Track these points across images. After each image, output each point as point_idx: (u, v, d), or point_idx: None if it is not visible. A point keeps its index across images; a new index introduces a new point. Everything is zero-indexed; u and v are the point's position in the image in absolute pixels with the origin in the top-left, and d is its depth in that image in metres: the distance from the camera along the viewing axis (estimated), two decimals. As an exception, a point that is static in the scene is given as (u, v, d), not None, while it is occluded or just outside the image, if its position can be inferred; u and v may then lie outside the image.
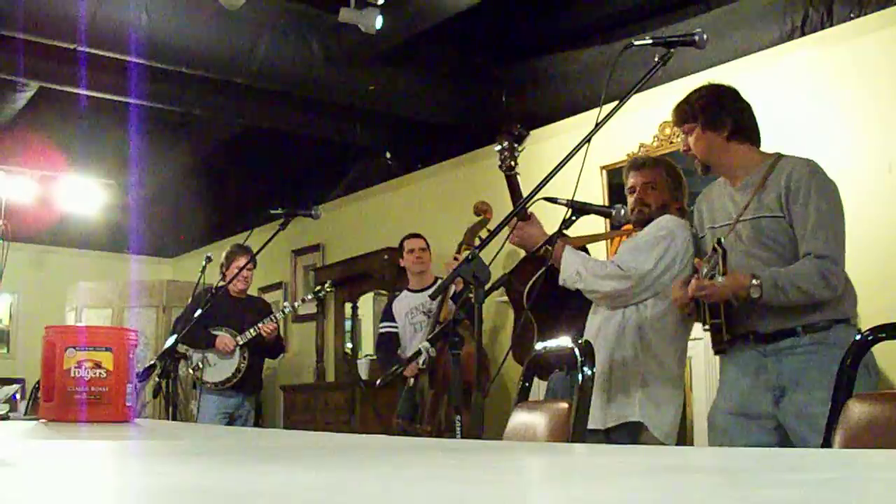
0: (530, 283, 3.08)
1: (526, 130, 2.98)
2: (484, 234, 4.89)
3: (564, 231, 2.67)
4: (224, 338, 5.32)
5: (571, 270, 2.86)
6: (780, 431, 2.53)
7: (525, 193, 2.32)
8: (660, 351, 2.87)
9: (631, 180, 3.08)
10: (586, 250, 3.25)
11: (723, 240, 2.47)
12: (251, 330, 5.35)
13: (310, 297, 5.90)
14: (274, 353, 5.74)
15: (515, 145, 2.94)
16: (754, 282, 2.43)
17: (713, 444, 2.73)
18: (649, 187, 3.03)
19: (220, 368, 5.34)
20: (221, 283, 5.30)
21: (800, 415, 2.45)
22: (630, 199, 3.07)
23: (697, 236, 2.87)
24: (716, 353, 2.72)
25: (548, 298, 3.00)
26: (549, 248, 2.80)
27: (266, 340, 5.41)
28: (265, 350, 5.57)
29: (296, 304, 5.85)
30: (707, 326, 2.63)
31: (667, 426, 2.82)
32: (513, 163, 2.94)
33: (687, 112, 2.73)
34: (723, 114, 2.69)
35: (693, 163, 2.78)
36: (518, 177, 2.99)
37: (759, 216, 2.59)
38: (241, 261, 5.25)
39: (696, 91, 2.77)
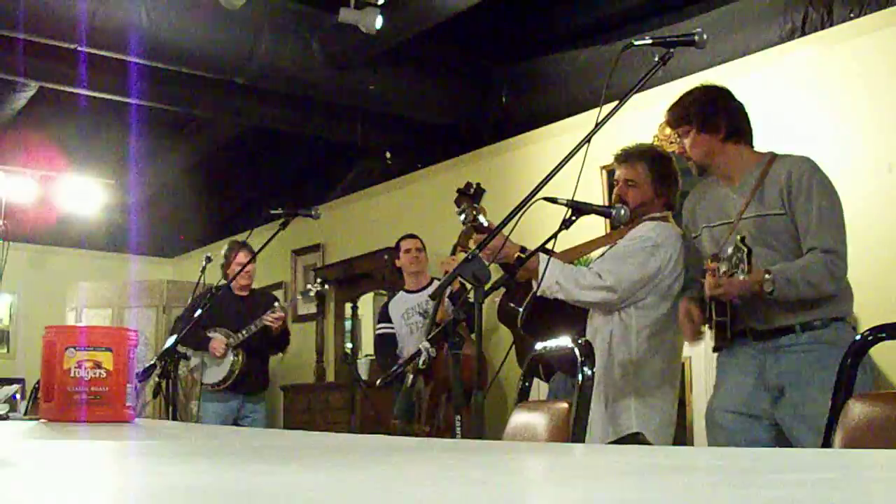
0: (524, 309, 3.03)
1: (482, 186, 2.99)
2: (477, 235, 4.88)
3: (548, 246, 2.62)
4: (216, 340, 5.20)
5: (551, 280, 2.77)
6: (778, 430, 2.53)
7: (523, 196, 2.31)
8: (649, 360, 2.85)
9: (616, 173, 3.04)
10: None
11: (746, 238, 2.46)
12: (244, 331, 5.22)
13: (310, 290, 5.67)
14: (281, 345, 5.59)
15: (475, 204, 2.94)
16: (767, 276, 2.44)
17: (712, 442, 2.73)
18: (629, 185, 2.97)
19: (214, 370, 5.24)
20: (223, 282, 5.22)
21: (797, 414, 2.46)
22: (614, 191, 3.04)
23: (689, 236, 2.85)
24: (715, 349, 2.71)
25: (541, 318, 2.97)
26: (522, 255, 2.70)
27: (273, 332, 5.27)
28: (270, 344, 5.43)
29: (297, 297, 5.67)
30: (712, 324, 2.63)
31: (663, 432, 2.83)
32: (474, 213, 2.93)
33: (681, 115, 2.71)
34: (717, 116, 2.68)
35: (688, 163, 2.77)
36: (484, 222, 2.96)
37: (763, 214, 2.59)
38: (242, 256, 5.17)
39: (688, 93, 2.75)
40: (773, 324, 2.55)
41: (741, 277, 2.39)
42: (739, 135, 2.70)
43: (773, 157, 2.66)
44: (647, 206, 2.97)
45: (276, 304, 5.30)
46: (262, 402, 5.48)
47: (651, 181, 2.97)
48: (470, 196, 2.99)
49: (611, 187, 5.00)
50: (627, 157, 3.02)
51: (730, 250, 2.44)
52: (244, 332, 5.23)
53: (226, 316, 5.26)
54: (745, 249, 2.39)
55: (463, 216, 2.98)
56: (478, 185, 3.02)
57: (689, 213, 2.87)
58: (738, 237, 2.46)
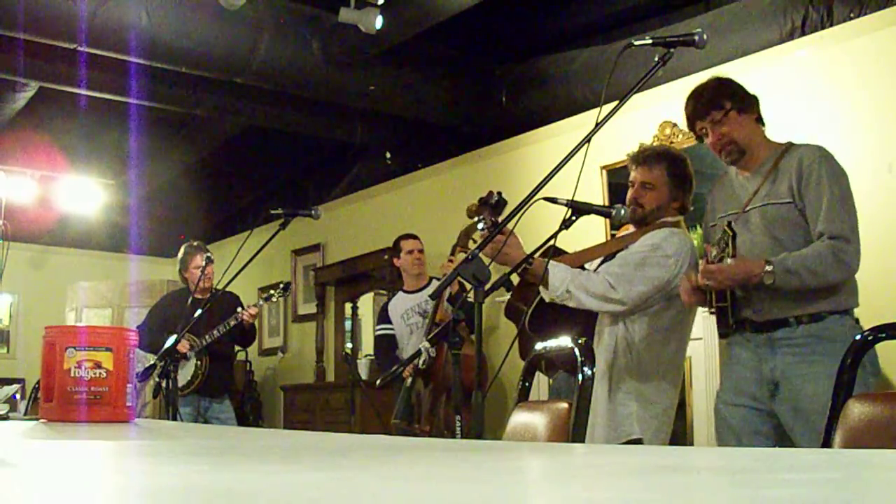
0: (529, 309, 3.02)
1: (504, 197, 2.96)
2: (478, 236, 4.87)
3: (554, 243, 2.60)
4: (182, 343, 4.95)
5: (561, 289, 2.74)
6: (780, 422, 2.53)
7: (523, 196, 2.30)
8: (652, 364, 2.85)
9: (631, 174, 2.98)
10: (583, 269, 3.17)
11: (733, 223, 2.46)
12: (207, 335, 5.10)
13: (264, 299, 5.39)
14: (247, 340, 5.53)
15: (493, 216, 2.92)
16: (767, 268, 2.42)
17: (718, 433, 2.72)
18: (646, 188, 2.92)
19: (183, 374, 5.09)
20: (183, 285, 5.33)
21: (794, 410, 2.46)
22: (629, 192, 2.99)
23: (708, 225, 2.84)
24: (721, 336, 2.71)
25: (547, 316, 2.96)
26: (528, 266, 2.65)
27: (245, 326, 5.17)
28: (236, 340, 5.36)
29: (260, 303, 5.35)
30: (712, 310, 2.62)
31: (659, 436, 2.83)
32: (492, 222, 2.91)
33: (713, 99, 2.64)
34: (749, 96, 2.67)
35: (721, 155, 2.69)
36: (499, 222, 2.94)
37: (768, 203, 2.58)
38: (198, 260, 5.13)
39: (709, 81, 2.71)
40: (769, 316, 2.54)
41: (728, 261, 2.39)
42: (762, 120, 2.69)
43: (789, 146, 2.65)
44: (663, 210, 2.93)
45: (247, 305, 5.17)
46: (227, 402, 5.42)
47: (668, 184, 2.92)
48: (491, 206, 2.95)
49: (611, 187, 5.00)
50: (645, 159, 2.95)
51: (719, 234, 2.45)
52: (207, 336, 5.11)
53: (187, 322, 5.13)
54: (730, 233, 2.38)
55: (481, 225, 2.95)
56: (499, 194, 2.96)
57: (710, 206, 2.86)
58: (725, 222, 2.46)
